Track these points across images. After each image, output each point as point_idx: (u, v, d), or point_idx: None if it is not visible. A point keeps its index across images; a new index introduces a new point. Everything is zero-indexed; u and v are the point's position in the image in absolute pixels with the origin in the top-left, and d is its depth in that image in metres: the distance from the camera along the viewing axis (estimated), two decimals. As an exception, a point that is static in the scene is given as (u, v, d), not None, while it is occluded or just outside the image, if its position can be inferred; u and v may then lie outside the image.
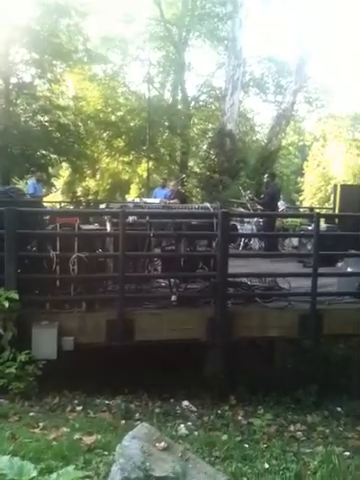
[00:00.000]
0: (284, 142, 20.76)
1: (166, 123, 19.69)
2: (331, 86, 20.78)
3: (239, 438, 4.22)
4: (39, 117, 18.62)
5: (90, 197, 22.07)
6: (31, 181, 12.77)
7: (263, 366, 5.73)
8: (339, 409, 5.51)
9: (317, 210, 17.41)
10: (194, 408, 5.31)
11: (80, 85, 21.29)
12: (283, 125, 18.27)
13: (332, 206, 11.35)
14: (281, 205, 11.40)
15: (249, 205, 11.36)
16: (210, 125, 21.45)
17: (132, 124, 19.80)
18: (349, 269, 6.49)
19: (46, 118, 18.86)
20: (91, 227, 6.65)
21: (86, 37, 19.49)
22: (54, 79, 18.57)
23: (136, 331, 5.45)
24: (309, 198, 30.61)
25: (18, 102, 17.34)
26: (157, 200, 9.82)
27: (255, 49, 21.43)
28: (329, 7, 18.44)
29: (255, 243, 11.15)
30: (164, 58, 21.33)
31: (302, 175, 30.76)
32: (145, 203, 9.05)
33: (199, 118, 22.11)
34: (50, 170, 19.13)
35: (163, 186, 12.26)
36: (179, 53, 19.96)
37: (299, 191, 30.43)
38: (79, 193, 22.74)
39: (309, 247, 8.32)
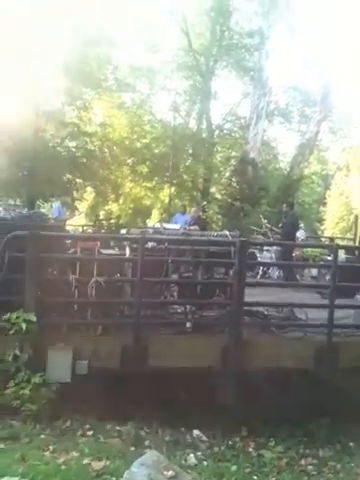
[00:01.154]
0: (307, 171, 20.77)
1: (190, 150, 19.97)
2: (355, 116, 20.68)
3: (249, 470, 4.17)
4: (67, 142, 19.19)
5: (112, 221, 22.35)
6: (56, 204, 13.08)
7: (276, 397, 5.64)
8: (351, 444, 5.38)
9: (338, 240, 17.28)
10: (205, 438, 5.26)
11: (108, 112, 21.87)
12: (306, 154, 18.33)
13: (353, 237, 11.27)
14: (300, 234, 11.35)
15: (269, 233, 11.37)
16: (233, 153, 21.65)
17: (156, 151, 20.16)
18: (368, 302, 6.41)
19: (73, 144, 19.42)
20: (111, 252, 6.75)
21: (115, 66, 20.17)
22: (83, 106, 19.19)
23: (150, 357, 5.46)
24: (331, 227, 30.30)
25: (47, 128, 17.90)
26: (177, 226, 9.95)
27: (280, 78, 21.73)
28: (355, 38, 18.72)
29: (274, 271, 11.10)
30: (190, 87, 21.76)
31: (324, 204, 30.56)
32: (165, 228, 9.19)
33: (222, 146, 22.36)
34: (74, 194, 19.58)
35: (183, 212, 12.40)
36: (206, 82, 20.37)
37: (321, 220, 30.18)
38: (102, 217, 23.08)
39: (328, 278, 8.25)
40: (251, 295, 5.88)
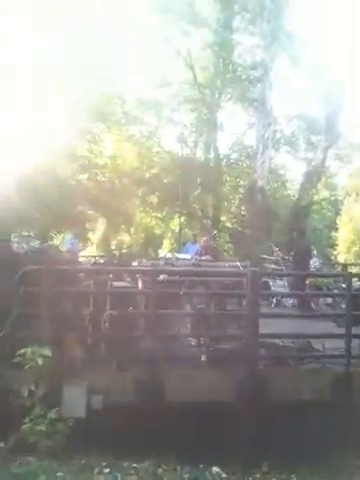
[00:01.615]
0: (316, 197, 20.83)
1: (198, 180, 20.20)
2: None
3: (270, 509, 4.05)
4: (78, 175, 19.54)
5: (124, 251, 22.50)
6: (69, 236, 13.26)
7: (296, 430, 5.52)
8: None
9: (352, 267, 17.17)
10: (224, 475, 5.13)
11: (117, 145, 22.28)
12: (314, 181, 18.40)
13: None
14: (313, 262, 11.31)
15: (281, 261, 11.36)
16: (241, 181, 21.85)
17: (166, 181, 20.41)
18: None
19: (85, 176, 19.77)
20: (123, 284, 6.78)
21: (123, 100, 20.69)
22: (93, 139, 19.61)
23: (165, 391, 5.41)
24: (344, 252, 30.16)
25: (59, 161, 18.23)
26: (188, 256, 9.99)
27: (285, 107, 22.04)
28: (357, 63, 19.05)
29: (287, 300, 11.04)
30: (197, 119, 22.17)
31: (336, 229, 30.50)
32: (177, 259, 9.22)
33: (230, 175, 22.58)
34: (86, 225, 19.81)
35: (194, 241, 12.47)
36: (211, 114, 20.75)
37: (333, 245, 30.07)
38: (113, 247, 23.24)
39: (343, 306, 8.18)
40: (266, 324, 5.85)
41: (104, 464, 5.02)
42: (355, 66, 19.75)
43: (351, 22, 19.10)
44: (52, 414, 5.08)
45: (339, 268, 17.42)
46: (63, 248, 12.37)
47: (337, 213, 30.46)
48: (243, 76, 19.71)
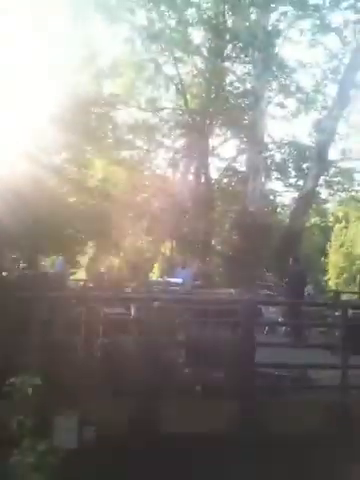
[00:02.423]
0: (307, 223, 20.98)
1: (189, 204, 20.25)
2: (351, 169, 21.14)
3: None
4: (68, 198, 19.50)
5: (113, 274, 22.35)
6: (59, 259, 13.20)
7: (295, 463, 5.39)
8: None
9: (342, 293, 17.19)
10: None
11: (108, 169, 22.35)
12: (305, 208, 18.57)
13: (358, 290, 11.23)
14: (307, 289, 11.30)
15: (273, 287, 11.33)
16: (233, 206, 21.95)
17: (156, 205, 20.44)
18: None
19: (75, 199, 19.74)
20: (116, 311, 6.68)
21: (115, 124, 20.84)
22: (84, 163, 19.66)
23: (160, 423, 5.28)
24: (334, 278, 30.33)
25: (49, 185, 18.21)
26: (179, 280, 9.93)
27: (277, 133, 22.36)
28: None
29: (281, 327, 10.96)
30: (188, 144, 22.37)
31: (326, 255, 30.71)
32: (169, 283, 9.17)
33: (222, 200, 22.70)
34: (76, 248, 19.68)
35: (183, 266, 12.38)
36: (202, 139, 20.94)
37: (324, 271, 30.23)
38: (102, 270, 23.08)
39: (336, 334, 8.13)
40: (259, 352, 5.76)
41: (95, 499, 4.84)
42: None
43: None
44: (42, 446, 4.89)
45: (329, 294, 17.47)
46: (52, 270, 12.31)
47: (327, 239, 30.74)
48: (234, 103, 19.96)
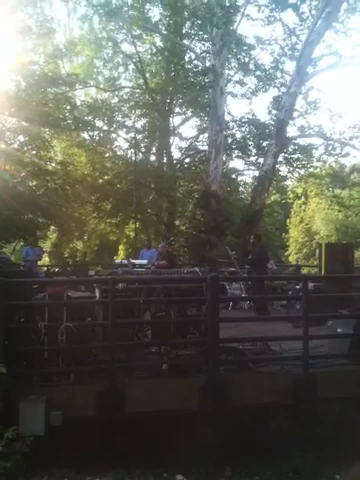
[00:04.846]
0: (267, 201, 21.26)
1: (152, 185, 20.14)
2: (310, 146, 21.49)
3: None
4: (27, 182, 18.98)
5: (78, 258, 22.11)
6: (26, 246, 13.03)
7: (258, 433, 5.56)
8: (338, 477, 5.34)
9: (303, 267, 17.66)
10: (188, 482, 5.10)
11: (68, 150, 21.87)
12: (266, 185, 18.77)
13: (317, 263, 11.52)
14: (271, 265, 11.52)
15: (237, 264, 11.48)
16: (195, 186, 21.98)
17: (119, 186, 20.22)
18: (339, 330, 6.49)
19: (34, 183, 19.23)
20: (80, 294, 6.61)
21: (73, 105, 20.33)
22: (42, 145, 19.13)
23: (127, 402, 5.31)
24: (294, 253, 31.11)
25: (7, 167, 17.67)
26: (144, 261, 9.91)
27: (237, 112, 22.46)
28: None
29: (244, 302, 11.20)
30: (149, 124, 22.13)
31: (286, 231, 31.37)
32: (134, 265, 9.14)
33: (184, 180, 22.68)
34: (38, 233, 19.25)
35: (148, 247, 12.35)
36: (163, 119, 20.76)
37: (284, 247, 30.91)
38: (66, 255, 22.77)
39: (298, 306, 8.36)
40: (224, 328, 5.86)
41: (66, 480, 4.87)
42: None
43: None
44: (9, 433, 4.85)
45: (290, 269, 17.91)
46: (14, 258, 12.06)
47: (287, 215, 31.35)
48: (194, 82, 19.80)
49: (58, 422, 5.17)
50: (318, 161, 21.90)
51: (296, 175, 22.75)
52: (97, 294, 6.24)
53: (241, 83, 21.57)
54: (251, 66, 20.56)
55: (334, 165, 23.47)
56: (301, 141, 21.40)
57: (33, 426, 5.09)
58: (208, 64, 19.42)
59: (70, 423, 5.12)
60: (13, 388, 5.13)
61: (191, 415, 5.41)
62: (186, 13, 19.80)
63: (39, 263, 15.41)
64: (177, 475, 5.23)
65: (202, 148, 22.18)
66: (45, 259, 22.35)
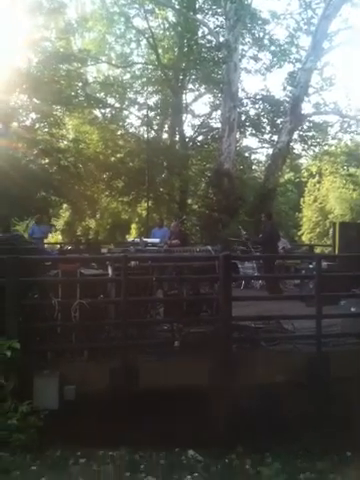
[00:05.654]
0: (281, 179, 21.02)
1: (164, 163, 20.00)
2: (325, 123, 21.07)
3: (248, 489, 4.08)
4: (40, 160, 18.99)
5: (90, 237, 22.21)
6: (33, 224, 13.00)
7: (270, 411, 5.59)
8: (349, 454, 5.36)
9: (317, 248, 17.52)
10: (200, 457, 5.16)
11: (80, 128, 21.75)
12: (280, 163, 18.53)
13: (331, 243, 11.42)
14: (282, 244, 11.44)
15: (249, 244, 11.43)
16: (208, 164, 21.76)
17: (131, 165, 20.12)
18: (353, 309, 6.45)
19: (46, 161, 19.24)
20: (93, 272, 6.64)
21: (85, 82, 20.14)
22: (54, 123, 19.05)
23: (139, 379, 5.37)
24: (307, 233, 30.84)
25: (19, 146, 17.67)
26: (157, 240, 9.89)
27: (251, 88, 22.06)
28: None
29: (256, 281, 11.16)
30: (161, 101, 21.86)
31: (300, 211, 31.04)
32: (146, 243, 9.12)
33: (197, 158, 22.46)
34: (50, 211, 19.35)
35: (160, 226, 12.33)
36: (176, 96, 20.48)
37: (297, 226, 30.63)
38: (79, 233, 22.88)
39: (311, 286, 8.30)
40: (236, 306, 5.86)
41: (79, 454, 4.95)
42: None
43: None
44: (24, 407, 4.94)
45: (304, 248, 17.78)
46: (27, 235, 12.12)
47: (301, 194, 30.98)
48: (208, 57, 19.42)
49: (72, 397, 5.25)
50: (333, 139, 21.53)
51: (311, 153, 22.42)
52: (110, 272, 6.26)
53: (255, 59, 21.10)
54: (266, 41, 20.13)
55: (350, 143, 23.07)
56: (316, 118, 21.02)
57: (47, 400, 5.17)
58: (222, 39, 19.00)
59: (83, 398, 5.19)
60: (27, 363, 5.20)
61: (203, 392, 5.44)
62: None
63: (50, 240, 15.47)
64: (189, 450, 5.29)
65: (215, 126, 21.89)
66: (58, 237, 22.49)
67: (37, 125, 19.31)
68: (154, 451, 5.19)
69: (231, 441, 5.39)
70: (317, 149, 21.99)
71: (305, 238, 29.89)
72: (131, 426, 5.34)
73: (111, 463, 4.82)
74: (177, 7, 19.68)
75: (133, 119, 22.64)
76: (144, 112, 20.46)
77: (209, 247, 7.19)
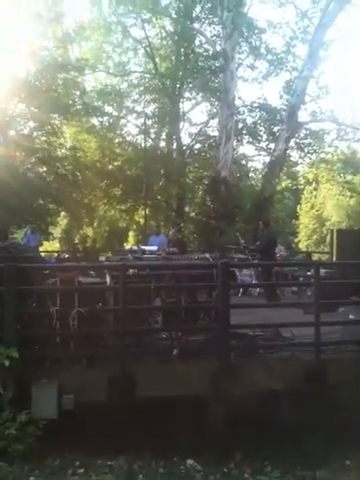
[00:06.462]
0: (278, 187, 21.08)
1: (162, 171, 20.06)
2: (321, 131, 21.22)
3: (247, 499, 4.06)
4: (37, 168, 19.02)
5: (88, 245, 22.23)
6: (27, 233, 12.98)
7: (269, 419, 5.58)
8: (348, 462, 5.34)
9: (313, 253, 17.57)
10: (199, 467, 5.14)
11: (78, 136, 21.83)
12: (276, 171, 18.60)
13: (328, 250, 11.45)
14: (279, 251, 11.47)
15: (247, 251, 11.44)
16: (205, 172, 21.84)
17: (129, 173, 20.17)
18: (351, 316, 6.46)
19: (44, 169, 19.27)
20: (91, 280, 6.64)
21: (83, 90, 20.23)
22: (52, 131, 19.11)
23: (138, 387, 5.35)
24: (304, 240, 30.95)
25: (17, 154, 17.71)
26: (154, 248, 9.89)
27: (248, 97, 22.14)
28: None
29: (254, 288, 11.17)
30: (159, 109, 21.96)
31: (297, 218, 31.17)
32: (144, 251, 9.12)
33: (194, 166, 22.55)
34: (48, 219, 19.35)
35: (157, 233, 12.33)
36: (173, 104, 20.58)
37: (294, 233, 30.73)
38: (77, 241, 22.90)
39: (309, 293, 8.31)
40: (234, 314, 5.86)
41: (77, 464, 4.93)
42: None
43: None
44: (22, 417, 4.92)
45: (301, 256, 17.81)
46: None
47: (297, 202, 31.11)
48: (205, 66, 19.54)
49: (70, 406, 5.23)
50: (330, 146, 21.65)
51: (307, 160, 22.50)
52: (108, 280, 6.26)
53: (252, 67, 21.23)
54: (262, 50, 20.26)
55: (346, 150, 23.18)
56: (313, 126, 21.13)
57: (45, 410, 5.15)
58: (218, 48, 19.14)
59: (82, 407, 5.17)
60: (25, 372, 5.18)
61: (202, 400, 5.43)
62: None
63: (47, 248, 15.45)
64: (188, 460, 5.27)
65: (212, 133, 22.01)
66: (55, 245, 22.47)
67: (35, 133, 19.37)
68: (153, 460, 5.17)
69: (230, 449, 5.38)
70: (314, 157, 22.09)
71: (302, 245, 30.01)
72: (129, 435, 5.32)
73: (110, 473, 4.80)
74: (174, 16, 19.82)
75: (131, 127, 22.77)
76: (142, 120, 20.59)
77: (207, 255, 7.20)
